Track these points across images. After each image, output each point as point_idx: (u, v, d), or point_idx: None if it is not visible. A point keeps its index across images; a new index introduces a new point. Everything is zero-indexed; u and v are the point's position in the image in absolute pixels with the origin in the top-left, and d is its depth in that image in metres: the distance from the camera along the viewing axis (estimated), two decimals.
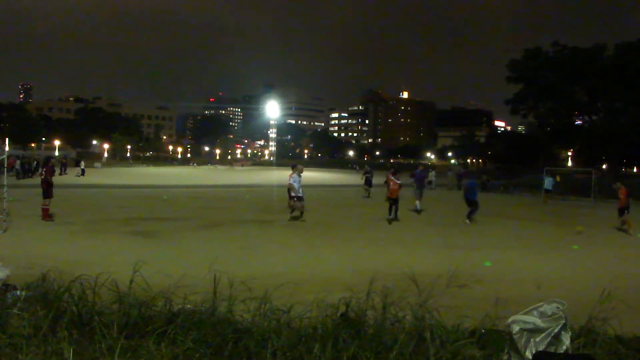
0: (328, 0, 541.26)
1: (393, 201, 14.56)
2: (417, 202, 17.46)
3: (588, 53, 46.03)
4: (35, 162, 37.42)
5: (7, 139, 13.66)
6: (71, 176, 37.08)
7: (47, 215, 12.78)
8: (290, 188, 14.22)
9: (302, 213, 14.22)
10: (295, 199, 14.02)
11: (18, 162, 34.60)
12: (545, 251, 10.59)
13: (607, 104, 49.19)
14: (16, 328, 3.78)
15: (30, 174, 33.96)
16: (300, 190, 14.15)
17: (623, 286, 7.21)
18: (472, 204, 15.09)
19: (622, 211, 14.07)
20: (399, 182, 14.80)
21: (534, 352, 3.44)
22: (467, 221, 14.63)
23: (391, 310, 4.03)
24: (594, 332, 3.96)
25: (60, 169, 38.97)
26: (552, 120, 52.78)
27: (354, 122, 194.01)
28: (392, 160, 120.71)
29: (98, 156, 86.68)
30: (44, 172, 13.86)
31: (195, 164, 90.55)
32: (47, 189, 12.99)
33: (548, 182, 24.35)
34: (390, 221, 14.24)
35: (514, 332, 3.55)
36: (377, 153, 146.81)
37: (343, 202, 22.11)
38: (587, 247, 11.22)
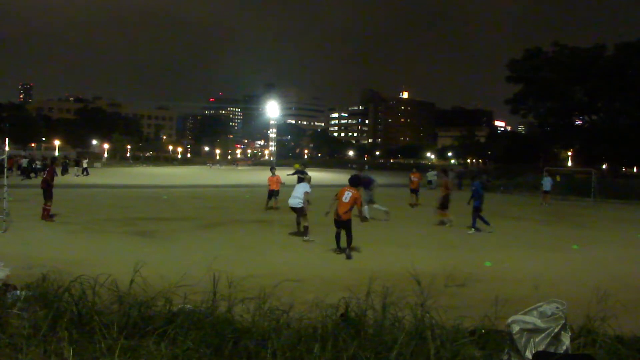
0: (328, 0, 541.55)
1: (343, 225, 9.43)
2: (365, 208, 14.18)
3: (588, 53, 46.06)
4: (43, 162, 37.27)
5: (7, 139, 13.65)
6: (72, 176, 37.07)
7: (47, 216, 12.76)
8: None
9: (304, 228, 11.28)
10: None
11: (25, 160, 34.49)
12: (545, 251, 10.59)
13: (607, 104, 49.19)
14: (16, 328, 3.78)
15: (36, 174, 33.86)
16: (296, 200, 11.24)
17: (622, 286, 7.23)
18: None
19: (444, 205, 14.37)
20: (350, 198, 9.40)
21: (534, 352, 3.44)
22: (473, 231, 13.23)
23: (391, 310, 4.03)
24: (594, 332, 3.96)
25: (62, 169, 38.97)
26: (552, 120, 52.82)
27: (354, 122, 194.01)
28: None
29: (98, 156, 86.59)
30: (45, 173, 13.83)
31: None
32: (47, 189, 12.94)
33: (546, 183, 23.76)
34: (347, 256, 9.26)
35: (514, 332, 3.55)
36: (377, 153, 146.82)
37: None
38: (586, 247, 11.22)
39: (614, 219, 18.12)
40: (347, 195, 9.34)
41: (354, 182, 9.82)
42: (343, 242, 9.48)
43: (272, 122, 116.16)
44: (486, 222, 13.39)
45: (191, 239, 11.04)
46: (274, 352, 3.44)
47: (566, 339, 3.56)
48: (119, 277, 4.54)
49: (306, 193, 11.11)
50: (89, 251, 9.17)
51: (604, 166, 55.43)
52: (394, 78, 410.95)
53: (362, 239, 11.68)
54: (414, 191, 20.57)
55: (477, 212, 13.50)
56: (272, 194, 17.08)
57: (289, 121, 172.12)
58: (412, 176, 20.81)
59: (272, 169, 17.97)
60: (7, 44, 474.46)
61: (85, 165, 39.76)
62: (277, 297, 4.34)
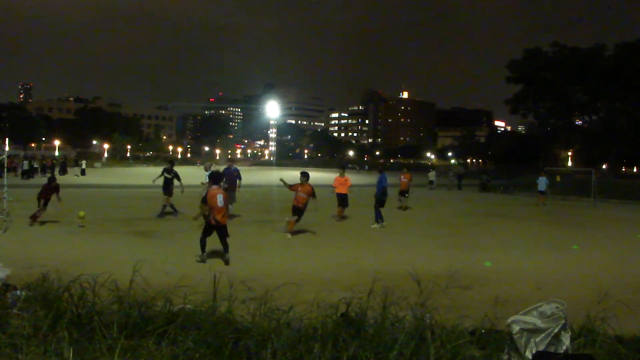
0: (328, 0, 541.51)
1: (221, 230, 8.68)
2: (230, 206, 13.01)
3: (588, 53, 46.18)
4: (37, 162, 37.40)
5: (7, 139, 13.55)
6: (71, 176, 37.07)
7: (34, 217, 12.08)
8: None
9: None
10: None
11: (25, 162, 34.54)
12: (545, 251, 10.59)
13: (607, 104, 49.31)
14: (16, 328, 3.78)
15: (33, 175, 33.99)
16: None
17: (623, 286, 7.23)
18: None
19: (298, 211, 11.77)
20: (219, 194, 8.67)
21: (534, 352, 3.44)
22: (376, 225, 13.53)
23: (391, 310, 4.03)
24: (594, 332, 3.96)
25: (61, 169, 39.07)
26: (552, 120, 52.94)
27: (354, 122, 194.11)
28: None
29: (98, 156, 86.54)
30: (50, 183, 12.65)
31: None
32: (41, 197, 12.23)
33: (541, 183, 23.33)
34: (226, 261, 8.57)
35: (514, 332, 3.55)
36: (377, 153, 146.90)
37: None
38: (586, 247, 11.22)
39: (614, 219, 18.12)
40: (220, 199, 8.60)
41: (216, 180, 9.11)
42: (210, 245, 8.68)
43: (272, 122, 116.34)
44: (380, 218, 13.59)
45: (191, 239, 11.00)
46: (274, 352, 3.43)
47: (566, 339, 3.56)
48: (119, 277, 4.54)
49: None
50: (89, 251, 9.17)
51: (604, 166, 55.49)
52: (394, 78, 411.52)
53: (362, 238, 11.70)
54: (403, 193, 18.79)
55: (382, 205, 13.79)
56: (341, 198, 14.74)
57: (289, 121, 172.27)
58: (402, 177, 18.97)
59: (342, 168, 15.51)
60: (7, 44, 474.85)
61: (83, 167, 39.72)
62: (278, 297, 4.34)
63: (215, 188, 8.81)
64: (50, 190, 12.43)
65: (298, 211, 11.50)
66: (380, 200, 13.98)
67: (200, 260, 8.60)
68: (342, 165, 16.21)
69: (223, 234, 8.71)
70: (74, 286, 4.31)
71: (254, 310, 4.04)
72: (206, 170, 12.78)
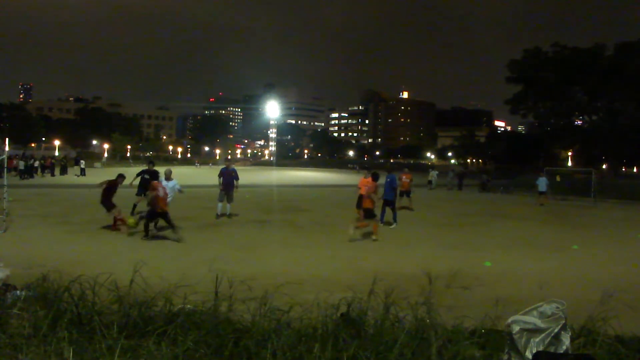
0: (328, 0, 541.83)
1: (163, 215, 10.60)
2: (220, 204, 14.43)
3: (588, 53, 46.19)
4: (36, 161, 37.40)
5: (7, 139, 13.54)
6: (71, 176, 37.06)
7: (114, 226, 11.48)
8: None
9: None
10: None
11: (22, 162, 34.55)
12: (545, 251, 10.59)
13: (606, 104, 49.35)
14: (16, 328, 3.78)
15: (31, 174, 33.98)
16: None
17: (623, 286, 7.22)
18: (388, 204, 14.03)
19: (371, 213, 11.67)
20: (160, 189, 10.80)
21: (534, 352, 3.44)
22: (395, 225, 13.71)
23: (392, 310, 4.03)
24: (594, 332, 3.96)
25: (61, 169, 39.03)
26: (552, 120, 52.97)
27: (354, 122, 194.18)
28: (398, 160, 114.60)
29: (98, 156, 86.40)
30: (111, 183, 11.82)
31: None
32: (105, 202, 11.61)
33: (541, 184, 23.18)
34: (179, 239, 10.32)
35: (514, 332, 3.55)
36: (377, 153, 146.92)
37: (342, 202, 22.08)
38: (587, 247, 11.21)
39: (614, 219, 18.12)
40: (161, 191, 10.84)
41: (156, 176, 11.80)
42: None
43: (272, 122, 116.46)
44: (382, 219, 13.81)
45: (191, 239, 11.01)
46: (274, 352, 3.43)
47: (566, 339, 3.56)
48: (119, 277, 4.54)
49: (179, 191, 13.08)
50: (89, 251, 9.17)
51: (604, 166, 55.51)
52: (394, 78, 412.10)
53: (363, 238, 11.68)
54: (405, 193, 18.37)
55: (392, 205, 14.06)
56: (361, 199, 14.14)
57: (289, 121, 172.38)
58: (404, 177, 18.44)
59: (367, 170, 14.86)
60: (7, 44, 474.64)
61: (82, 166, 39.63)
62: (278, 297, 4.34)
63: (157, 183, 11.16)
64: (113, 186, 11.72)
65: (371, 212, 11.64)
66: (393, 201, 14.18)
67: (145, 238, 10.33)
68: (366, 166, 15.92)
69: (167, 218, 10.60)
70: (74, 286, 4.31)
71: (254, 310, 4.04)
72: (166, 178, 12.55)
